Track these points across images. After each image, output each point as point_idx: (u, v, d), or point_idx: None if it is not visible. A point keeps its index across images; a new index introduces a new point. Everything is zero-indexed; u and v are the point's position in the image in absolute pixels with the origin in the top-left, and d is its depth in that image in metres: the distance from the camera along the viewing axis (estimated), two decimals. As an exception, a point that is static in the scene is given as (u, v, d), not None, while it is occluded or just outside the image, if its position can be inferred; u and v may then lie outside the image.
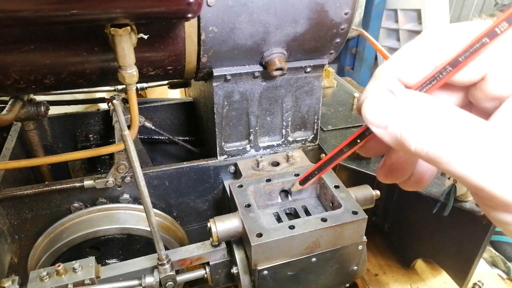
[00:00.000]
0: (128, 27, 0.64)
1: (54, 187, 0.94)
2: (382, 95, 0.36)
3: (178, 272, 0.86)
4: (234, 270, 0.86)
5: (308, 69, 0.99)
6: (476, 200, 0.34)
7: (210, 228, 0.80)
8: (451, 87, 0.38)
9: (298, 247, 0.78)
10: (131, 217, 1.00)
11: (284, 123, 1.08)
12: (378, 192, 0.90)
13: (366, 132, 0.41)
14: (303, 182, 0.64)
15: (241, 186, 0.88)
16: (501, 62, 0.33)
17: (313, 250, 0.79)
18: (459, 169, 0.30)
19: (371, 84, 0.39)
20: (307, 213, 0.88)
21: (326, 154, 1.12)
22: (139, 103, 0.92)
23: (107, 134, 1.39)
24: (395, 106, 0.34)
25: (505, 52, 0.33)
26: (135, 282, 0.80)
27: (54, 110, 1.25)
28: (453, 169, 0.31)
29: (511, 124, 0.32)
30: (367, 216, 0.79)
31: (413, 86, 0.37)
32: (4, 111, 1.01)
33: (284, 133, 1.09)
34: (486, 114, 0.34)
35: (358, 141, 0.42)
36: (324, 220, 0.78)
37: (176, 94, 2.01)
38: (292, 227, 0.77)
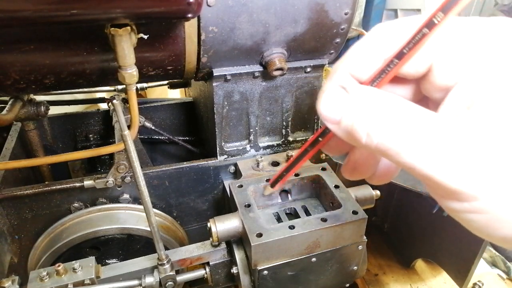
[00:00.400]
0: (128, 27, 0.64)
1: (54, 187, 0.94)
2: (334, 91, 0.36)
3: (178, 272, 0.86)
4: (234, 270, 0.86)
5: (308, 69, 0.99)
6: (428, 190, 0.34)
7: (210, 228, 0.80)
8: (405, 81, 0.38)
9: (298, 247, 0.78)
10: (131, 217, 1.00)
11: (284, 123, 1.08)
12: (378, 192, 0.90)
13: (326, 130, 0.41)
14: (273, 184, 0.65)
15: (241, 186, 0.88)
16: (444, 53, 0.34)
17: (313, 250, 0.79)
18: (408, 160, 0.31)
19: (327, 82, 0.39)
20: (307, 213, 0.88)
21: (326, 154, 1.12)
22: (139, 103, 0.92)
23: (107, 134, 1.39)
24: (346, 101, 0.35)
25: (447, 43, 0.34)
26: (135, 282, 0.80)
27: (54, 110, 1.25)
28: (402, 160, 0.31)
29: (454, 113, 0.32)
30: (367, 216, 0.80)
31: (365, 81, 0.37)
32: (4, 111, 1.01)
33: (284, 133, 1.09)
34: (439, 106, 0.35)
35: (320, 139, 0.42)
36: (324, 220, 0.78)
37: (176, 94, 2.01)
38: (292, 227, 0.77)
